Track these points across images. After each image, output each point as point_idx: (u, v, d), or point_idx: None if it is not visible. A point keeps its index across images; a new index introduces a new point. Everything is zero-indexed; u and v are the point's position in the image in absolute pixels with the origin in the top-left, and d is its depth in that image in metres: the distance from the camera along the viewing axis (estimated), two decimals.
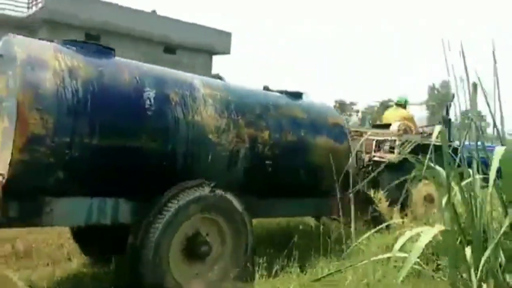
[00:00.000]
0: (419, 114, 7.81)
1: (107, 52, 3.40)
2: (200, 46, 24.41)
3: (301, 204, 4.51)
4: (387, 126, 6.17)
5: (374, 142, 5.54)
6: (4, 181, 2.74)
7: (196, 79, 3.82)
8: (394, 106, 7.10)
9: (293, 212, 4.67)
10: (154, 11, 24.89)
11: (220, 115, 3.69)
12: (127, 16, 22.24)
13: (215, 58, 26.79)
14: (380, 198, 4.06)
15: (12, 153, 2.67)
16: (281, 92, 4.66)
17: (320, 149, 4.46)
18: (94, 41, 3.34)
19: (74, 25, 20.44)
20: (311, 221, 5.41)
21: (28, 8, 22.39)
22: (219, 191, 3.40)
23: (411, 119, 6.63)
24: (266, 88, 4.86)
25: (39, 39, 3.27)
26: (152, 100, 3.28)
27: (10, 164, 2.69)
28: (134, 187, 3.29)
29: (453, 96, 8.53)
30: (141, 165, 3.28)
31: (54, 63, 2.91)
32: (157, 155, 3.33)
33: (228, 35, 26.79)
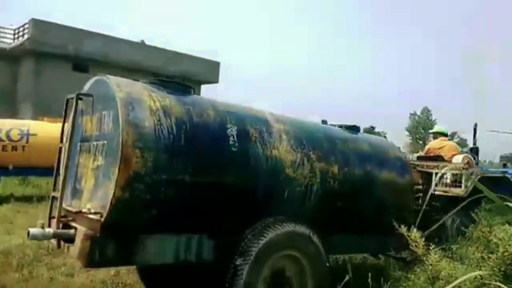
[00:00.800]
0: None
1: (188, 90, 3.48)
2: (189, 75, 23.95)
3: (364, 241, 4.43)
4: (437, 157, 6.13)
5: (433, 175, 5.45)
6: (103, 219, 2.76)
7: (268, 114, 3.87)
8: (439, 137, 7.00)
9: (356, 249, 4.59)
10: (142, 41, 25.18)
11: (295, 150, 3.72)
12: (115, 46, 22.53)
13: (203, 87, 26.80)
14: (414, 236, 3.82)
15: (114, 192, 2.69)
16: (340, 126, 4.70)
17: (385, 184, 4.44)
18: (172, 80, 3.42)
19: (61, 55, 20.74)
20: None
21: (14, 39, 22.86)
22: (301, 228, 3.38)
23: (458, 150, 6.58)
24: (324, 122, 4.90)
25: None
26: (235, 137, 3.32)
27: (111, 202, 2.71)
28: (217, 223, 3.28)
29: (476, 125, 8.55)
30: (225, 201, 3.28)
31: (150, 102, 2.98)
32: (239, 191, 3.34)
33: (216, 64, 26.99)
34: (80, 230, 2.87)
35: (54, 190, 3.38)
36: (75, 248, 2.85)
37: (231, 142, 3.29)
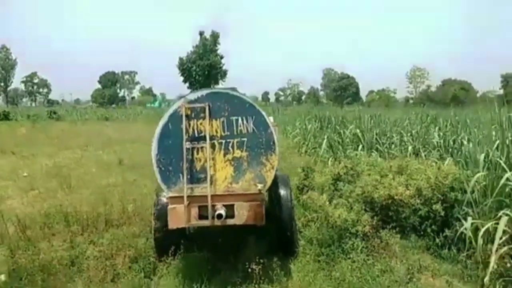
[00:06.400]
0: None
1: None
2: None
3: None
4: None
5: None
6: (263, 191, 4.17)
7: None
8: None
9: None
10: None
11: None
12: None
13: None
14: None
15: (274, 172, 4.15)
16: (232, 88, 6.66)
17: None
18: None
19: None
20: None
21: None
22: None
23: None
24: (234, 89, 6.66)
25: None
26: None
27: (271, 180, 4.16)
28: None
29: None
30: None
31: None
32: None
33: None
34: (241, 204, 4.05)
35: (175, 184, 4.03)
36: (242, 216, 4.04)
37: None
